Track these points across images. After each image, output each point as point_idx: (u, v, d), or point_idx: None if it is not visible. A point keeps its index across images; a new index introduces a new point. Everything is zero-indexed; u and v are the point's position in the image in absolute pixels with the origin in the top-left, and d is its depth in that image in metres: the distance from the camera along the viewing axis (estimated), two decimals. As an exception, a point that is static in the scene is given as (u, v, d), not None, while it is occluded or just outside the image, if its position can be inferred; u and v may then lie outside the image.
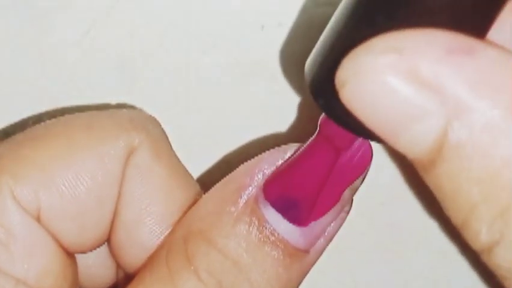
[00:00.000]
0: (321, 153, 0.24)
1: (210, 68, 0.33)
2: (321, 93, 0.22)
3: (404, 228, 0.35)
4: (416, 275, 0.35)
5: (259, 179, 0.25)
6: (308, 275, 0.32)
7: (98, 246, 0.27)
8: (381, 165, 0.34)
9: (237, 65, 0.33)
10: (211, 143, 0.33)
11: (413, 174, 0.34)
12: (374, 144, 0.34)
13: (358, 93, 0.20)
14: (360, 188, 0.34)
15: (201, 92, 0.33)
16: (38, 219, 0.25)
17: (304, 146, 0.25)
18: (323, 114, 0.24)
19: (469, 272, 0.35)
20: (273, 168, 0.25)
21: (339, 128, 0.22)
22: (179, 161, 0.27)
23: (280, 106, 0.33)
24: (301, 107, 0.33)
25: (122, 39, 0.32)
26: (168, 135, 0.28)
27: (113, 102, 0.33)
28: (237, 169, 0.25)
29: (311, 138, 0.25)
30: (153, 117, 0.27)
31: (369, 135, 0.21)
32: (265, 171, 0.25)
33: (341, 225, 0.26)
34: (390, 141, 0.20)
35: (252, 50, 0.33)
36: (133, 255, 0.26)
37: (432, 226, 0.35)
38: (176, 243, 0.25)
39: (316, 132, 0.25)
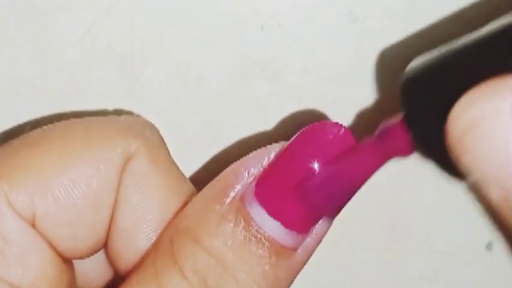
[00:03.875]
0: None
1: (210, 68, 0.33)
2: (421, 122, 0.21)
3: (404, 228, 0.35)
4: (416, 275, 0.35)
5: (245, 178, 0.25)
6: (308, 275, 0.32)
7: (95, 252, 0.27)
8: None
9: (237, 65, 0.33)
10: (211, 143, 0.33)
11: (413, 174, 0.34)
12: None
13: (491, 136, 0.18)
14: (360, 188, 0.34)
15: (201, 92, 0.33)
16: (33, 225, 0.25)
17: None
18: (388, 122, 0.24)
19: (469, 272, 0.35)
20: (259, 167, 0.25)
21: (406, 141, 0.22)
22: (177, 167, 0.27)
23: (280, 106, 0.33)
24: (302, 108, 0.33)
25: (122, 39, 0.32)
26: (168, 136, 0.28)
27: (112, 104, 0.33)
28: (224, 170, 0.25)
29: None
30: (151, 123, 0.27)
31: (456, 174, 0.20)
32: (251, 170, 0.25)
33: (330, 223, 0.25)
34: (499, 183, 0.18)
35: (252, 50, 0.33)
36: (130, 262, 0.26)
37: (432, 226, 0.35)
38: (163, 242, 0.25)
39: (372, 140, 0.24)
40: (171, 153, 0.27)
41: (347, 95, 0.33)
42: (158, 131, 0.27)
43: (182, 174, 0.27)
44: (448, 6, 0.33)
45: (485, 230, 0.35)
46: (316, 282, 0.35)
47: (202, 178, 0.31)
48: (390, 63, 0.33)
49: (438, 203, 0.35)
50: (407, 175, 0.34)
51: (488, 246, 0.35)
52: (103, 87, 0.33)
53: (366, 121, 0.34)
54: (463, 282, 0.35)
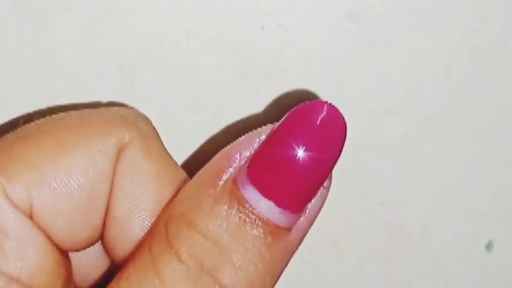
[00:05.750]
0: None
1: (210, 68, 0.33)
2: None
3: (404, 228, 0.35)
4: (416, 275, 0.35)
5: (237, 160, 0.25)
6: (308, 275, 0.32)
7: (92, 244, 0.27)
8: (381, 165, 0.34)
9: (237, 65, 0.33)
10: (211, 143, 0.34)
11: (413, 174, 0.34)
12: (374, 144, 0.34)
13: None
14: (360, 188, 0.34)
15: (201, 92, 0.33)
16: (30, 217, 0.25)
17: None
18: None
19: (469, 272, 0.35)
20: (250, 150, 0.25)
21: None
22: (170, 157, 0.27)
23: (280, 106, 0.33)
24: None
25: (122, 39, 0.33)
26: (167, 135, 0.28)
27: (107, 101, 0.33)
28: (216, 155, 0.25)
29: None
30: (144, 114, 0.27)
31: None
32: (243, 153, 0.25)
33: (322, 202, 0.25)
34: None
35: (252, 50, 0.33)
36: (126, 250, 0.26)
37: (432, 226, 0.35)
38: (158, 228, 0.25)
39: None
40: (170, 151, 0.27)
41: (347, 94, 0.33)
42: (151, 122, 0.27)
43: (176, 164, 0.27)
44: (448, 6, 0.33)
45: (485, 230, 0.35)
46: (317, 282, 0.35)
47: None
48: (390, 63, 0.33)
49: (438, 203, 0.35)
50: (407, 175, 0.34)
51: (488, 246, 0.35)
52: (103, 87, 0.33)
53: (367, 121, 0.34)
54: (463, 282, 0.35)
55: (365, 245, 0.35)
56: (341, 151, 0.24)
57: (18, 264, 0.24)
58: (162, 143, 0.27)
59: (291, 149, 0.24)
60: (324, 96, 0.33)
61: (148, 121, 0.27)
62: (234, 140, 0.33)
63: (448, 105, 0.34)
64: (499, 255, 0.35)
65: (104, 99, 0.33)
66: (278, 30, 0.33)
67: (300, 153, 0.24)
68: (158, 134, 0.27)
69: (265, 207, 0.24)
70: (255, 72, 0.33)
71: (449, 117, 0.34)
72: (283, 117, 0.25)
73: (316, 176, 0.24)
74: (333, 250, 0.34)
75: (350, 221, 0.34)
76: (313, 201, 0.25)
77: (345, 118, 0.25)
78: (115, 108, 0.27)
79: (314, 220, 0.25)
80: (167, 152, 0.27)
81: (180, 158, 0.28)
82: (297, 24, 0.33)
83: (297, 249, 0.25)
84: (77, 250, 0.27)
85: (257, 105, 0.33)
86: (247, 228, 0.24)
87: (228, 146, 0.25)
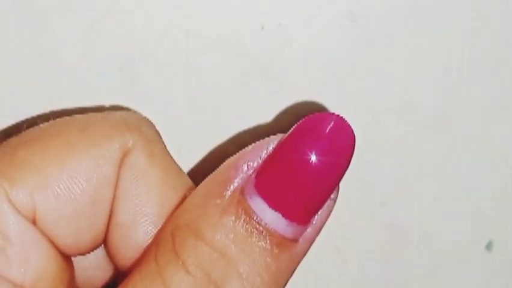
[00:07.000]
0: None
1: (210, 68, 0.33)
2: None
3: (404, 228, 0.35)
4: (416, 275, 0.35)
5: (244, 170, 0.25)
6: (308, 275, 0.32)
7: (95, 249, 0.27)
8: (381, 165, 0.34)
9: (237, 65, 0.33)
10: (211, 143, 0.34)
11: (413, 173, 0.34)
12: (374, 144, 0.34)
13: None
14: (360, 188, 0.34)
15: (201, 92, 0.33)
16: (34, 222, 0.25)
17: None
18: None
19: (469, 272, 0.35)
20: (258, 160, 0.25)
21: None
22: (174, 161, 0.27)
23: (280, 106, 0.33)
24: (302, 107, 0.33)
25: (122, 39, 0.32)
26: (168, 136, 0.28)
27: (109, 103, 0.33)
28: (223, 164, 0.25)
29: None
30: (147, 118, 0.27)
31: None
32: (250, 163, 0.25)
33: (328, 213, 0.25)
34: None
35: (252, 50, 0.33)
36: (130, 257, 0.26)
37: (432, 226, 0.35)
38: (164, 237, 0.25)
39: None
40: (171, 152, 0.27)
41: (347, 94, 0.33)
42: (154, 126, 0.27)
43: (180, 169, 0.27)
44: (448, 6, 0.33)
45: (485, 230, 0.35)
46: (317, 282, 0.35)
47: (201, 178, 0.31)
48: (390, 63, 0.33)
49: (438, 203, 0.35)
50: (407, 175, 0.34)
51: (488, 246, 0.35)
52: (103, 87, 0.33)
53: (367, 121, 0.34)
54: (463, 282, 0.35)
55: (365, 245, 0.35)
56: (349, 161, 0.24)
57: (22, 270, 0.24)
58: (165, 147, 0.27)
59: (299, 161, 0.24)
60: (324, 96, 0.33)
61: (151, 125, 0.27)
62: (234, 140, 0.33)
63: (448, 105, 0.34)
64: (499, 255, 0.35)
65: (105, 100, 0.33)
66: (278, 30, 0.33)
67: (308, 163, 0.24)
68: (161, 138, 0.27)
69: (272, 218, 0.24)
70: (255, 72, 0.33)
71: (449, 117, 0.34)
72: (292, 128, 0.25)
73: (324, 187, 0.24)
74: (333, 250, 0.34)
75: (350, 221, 0.34)
76: (320, 212, 0.25)
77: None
78: (118, 112, 0.27)
79: (321, 230, 0.25)
80: (171, 156, 0.27)
81: (179, 157, 0.28)
82: (297, 24, 0.33)
83: (302, 259, 0.25)
84: (80, 254, 0.26)
85: (257, 105, 0.33)
86: (254, 239, 0.24)
87: (236, 155, 0.25)
